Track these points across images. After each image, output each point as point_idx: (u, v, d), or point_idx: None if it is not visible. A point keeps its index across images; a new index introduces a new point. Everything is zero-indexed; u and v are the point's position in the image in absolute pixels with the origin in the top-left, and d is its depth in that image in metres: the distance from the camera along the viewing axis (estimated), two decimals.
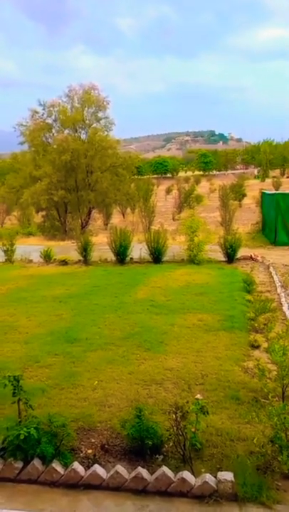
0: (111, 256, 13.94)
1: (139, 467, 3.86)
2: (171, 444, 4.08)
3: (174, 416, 4.07)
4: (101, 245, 15.12)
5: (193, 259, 13.03)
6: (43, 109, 27.91)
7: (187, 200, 41.18)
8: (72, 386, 5.53)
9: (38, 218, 32.97)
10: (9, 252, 14.44)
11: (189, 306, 8.75)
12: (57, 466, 3.88)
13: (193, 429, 4.03)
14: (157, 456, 4.08)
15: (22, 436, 3.82)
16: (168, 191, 56.22)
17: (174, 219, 34.65)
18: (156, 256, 13.48)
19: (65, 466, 3.93)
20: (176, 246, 14.36)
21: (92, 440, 4.36)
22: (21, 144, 29.01)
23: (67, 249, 16.43)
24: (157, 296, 9.55)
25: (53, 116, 28.11)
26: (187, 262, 13.15)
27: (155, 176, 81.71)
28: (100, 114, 28.08)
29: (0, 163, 55.90)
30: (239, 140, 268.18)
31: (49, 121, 28.29)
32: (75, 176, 27.57)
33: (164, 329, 7.48)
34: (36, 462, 3.90)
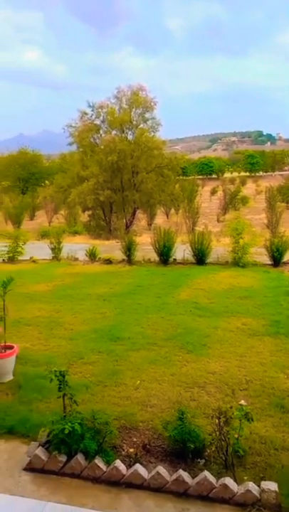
0: (154, 256, 13.98)
1: (181, 470, 3.84)
2: (213, 449, 4.03)
3: (216, 421, 4.02)
4: (144, 245, 15.19)
5: (237, 262, 12.80)
6: (92, 111, 28.45)
7: (232, 201, 40.55)
8: (115, 384, 5.60)
9: (84, 217, 33.63)
10: (56, 250, 14.83)
11: (233, 309, 8.61)
12: (99, 462, 3.94)
13: (236, 436, 3.96)
14: (199, 460, 4.04)
15: (66, 431, 3.91)
16: (213, 192, 55.61)
17: (218, 220, 34.23)
18: (200, 257, 13.36)
19: (107, 463, 3.98)
20: (220, 248, 14.16)
21: (134, 439, 4.39)
22: (70, 145, 29.73)
23: (111, 248, 16.64)
24: (200, 298, 9.47)
25: (101, 118, 28.59)
26: (231, 264, 12.93)
27: (200, 176, 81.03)
28: (147, 115, 28.23)
29: (49, 164, 57.53)
30: (288, 140, 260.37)
31: (97, 122, 28.79)
32: (121, 176, 27.88)
33: (207, 332, 7.40)
34: (80, 457, 3.97)
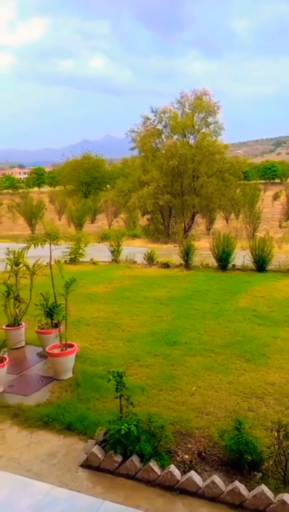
0: (213, 261, 13.79)
1: (237, 481, 3.75)
2: (271, 463, 3.89)
3: (276, 434, 3.88)
4: (203, 250, 15.04)
5: None
6: (155, 116, 28.78)
7: None
8: (171, 389, 5.59)
9: (143, 221, 34.03)
10: (116, 253, 15.12)
11: None
12: (154, 465, 3.95)
13: None
14: (256, 473, 3.92)
15: (123, 432, 3.97)
16: (275, 197, 53.94)
17: (280, 226, 33.14)
18: (260, 264, 12.99)
19: (162, 467, 3.98)
20: (282, 255, 13.70)
21: (189, 446, 4.35)
22: (132, 150, 30.26)
23: (169, 252, 16.67)
24: (260, 306, 9.21)
25: (164, 122, 28.84)
26: None
27: (262, 181, 78.92)
28: (210, 119, 28.05)
29: (111, 168, 58.86)
30: None
31: (159, 127, 29.08)
32: (181, 180, 27.90)
33: (266, 341, 7.18)
34: (135, 459, 4.01)
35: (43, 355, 6.53)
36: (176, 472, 3.91)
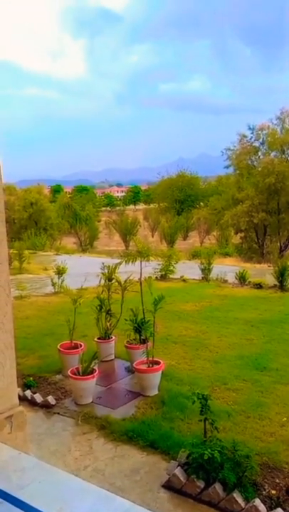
0: None
1: None
2: None
3: None
4: None
5: None
6: (252, 133, 28.33)
7: None
8: (259, 417, 5.33)
9: (235, 239, 33.35)
10: (206, 271, 14.98)
11: None
12: (238, 496, 3.78)
13: None
14: None
15: (206, 457, 3.86)
16: None
17: None
18: None
19: (246, 499, 3.79)
20: None
21: (277, 480, 4.09)
22: (227, 168, 30.05)
23: (262, 272, 16.05)
24: None
25: (261, 140, 28.21)
26: None
27: None
28: None
29: (205, 186, 58.97)
30: None
31: (256, 144, 28.53)
32: (278, 198, 26.90)
33: None
34: (218, 486, 3.87)
35: (131, 370, 6.67)
36: (262, 507, 3.69)
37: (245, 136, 28.41)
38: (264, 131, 27.79)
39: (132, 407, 5.69)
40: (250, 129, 28.27)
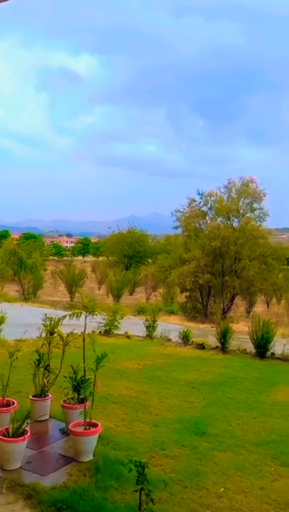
0: (250, 347, 13.25)
1: None
2: None
3: None
4: (241, 334, 14.55)
5: None
6: (201, 198, 29.82)
7: None
8: (196, 487, 5.13)
9: (181, 298, 33.85)
10: (151, 328, 14.91)
11: None
12: None
13: None
14: None
15: None
16: None
17: None
18: None
19: None
20: None
21: None
22: (176, 228, 31.12)
23: (205, 332, 16.25)
24: None
25: (209, 205, 29.73)
26: None
27: None
28: (255, 205, 28.69)
29: (154, 244, 60.33)
30: None
31: (204, 208, 29.99)
32: (223, 261, 28.01)
33: None
34: None
35: (66, 432, 6.28)
36: None
37: (194, 201, 29.86)
38: (212, 198, 29.41)
39: (64, 473, 5.29)
40: (199, 194, 29.83)
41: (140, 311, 23.36)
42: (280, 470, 5.70)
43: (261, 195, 28.35)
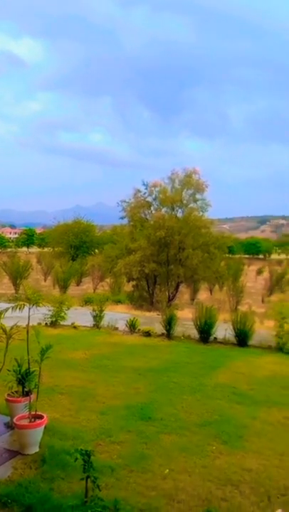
0: (194, 333, 13.68)
1: None
2: None
3: None
4: (185, 320, 14.95)
5: (282, 348, 12.21)
6: (146, 189, 29.90)
7: (279, 283, 39.65)
8: (142, 470, 5.27)
9: (128, 287, 34.02)
10: (98, 318, 14.92)
11: (275, 399, 8.07)
12: None
13: None
14: None
15: None
16: (259, 272, 54.84)
17: (263, 301, 33.34)
18: (242, 339, 12.92)
19: None
20: (263, 331, 13.66)
21: None
22: (122, 218, 31.04)
23: (151, 320, 16.52)
24: (240, 383, 9.01)
25: (154, 195, 29.89)
26: (275, 349, 12.35)
27: (247, 256, 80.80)
28: (198, 196, 29.19)
29: (101, 234, 59.98)
30: None
31: (149, 199, 30.10)
32: (168, 250, 28.41)
33: (244, 422, 6.94)
34: None
35: (11, 426, 6.17)
36: None
37: (139, 191, 29.86)
38: (156, 188, 29.55)
39: (9, 467, 5.21)
40: (144, 184, 29.89)
41: (87, 302, 23.19)
42: (221, 448, 5.99)
43: (204, 186, 28.93)
